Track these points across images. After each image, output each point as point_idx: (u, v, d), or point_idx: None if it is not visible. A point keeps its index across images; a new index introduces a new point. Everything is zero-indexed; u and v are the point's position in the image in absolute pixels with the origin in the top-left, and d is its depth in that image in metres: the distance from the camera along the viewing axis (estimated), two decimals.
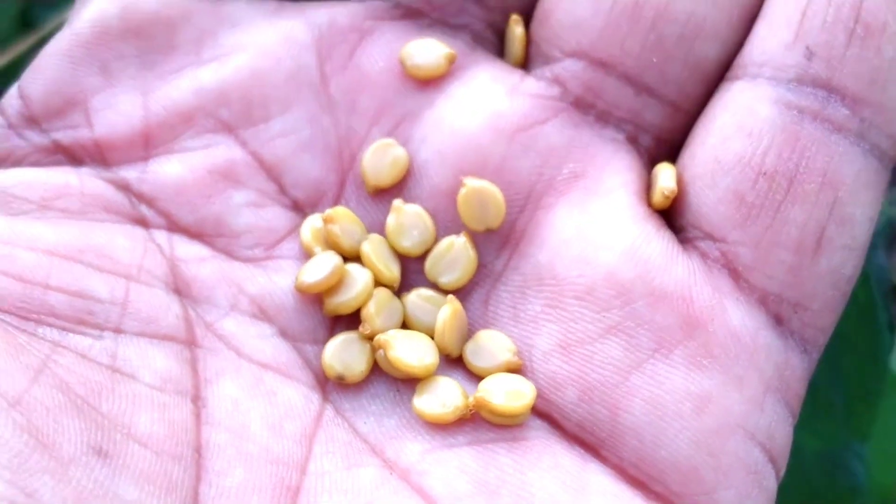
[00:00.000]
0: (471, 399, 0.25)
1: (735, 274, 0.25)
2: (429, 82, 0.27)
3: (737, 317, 0.25)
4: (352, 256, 0.27)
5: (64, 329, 0.23)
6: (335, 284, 0.26)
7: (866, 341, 0.42)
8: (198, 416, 0.23)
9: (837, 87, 0.25)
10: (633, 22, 0.26)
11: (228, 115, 0.27)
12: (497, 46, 0.29)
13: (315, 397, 0.25)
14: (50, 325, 0.23)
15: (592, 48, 0.27)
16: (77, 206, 0.26)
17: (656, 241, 0.25)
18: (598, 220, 0.26)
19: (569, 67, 0.27)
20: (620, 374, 0.24)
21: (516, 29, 0.28)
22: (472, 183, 0.26)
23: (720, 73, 0.27)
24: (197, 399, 0.23)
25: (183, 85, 0.27)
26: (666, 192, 0.26)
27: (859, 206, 0.25)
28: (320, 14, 0.28)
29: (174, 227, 0.26)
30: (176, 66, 0.27)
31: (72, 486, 0.20)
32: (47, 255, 0.24)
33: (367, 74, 0.27)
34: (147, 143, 0.27)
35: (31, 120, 0.27)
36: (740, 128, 0.25)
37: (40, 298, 0.23)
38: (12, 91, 0.27)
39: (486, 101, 0.27)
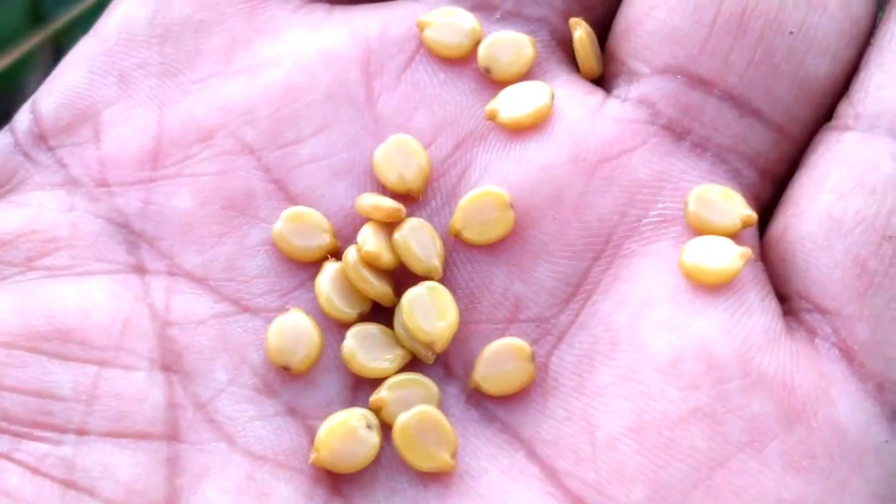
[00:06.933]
0: None
1: (849, 355, 0.22)
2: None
3: (845, 409, 0.22)
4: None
5: (18, 435, 0.21)
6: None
7: None
8: None
9: None
10: (740, 33, 0.23)
11: (253, 136, 0.24)
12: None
13: (319, 493, 0.22)
14: (2, 431, 0.21)
15: (691, 63, 0.23)
16: (64, 262, 0.23)
17: (759, 313, 0.22)
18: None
19: (661, 86, 0.24)
20: (702, 470, 0.21)
21: (581, 34, 0.24)
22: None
23: (827, 97, 0.24)
24: None
25: (206, 98, 0.24)
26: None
27: None
28: (371, 24, 0.24)
29: (176, 270, 0.23)
30: (201, 76, 0.24)
31: None
32: (4, 349, 0.21)
33: (423, 89, 0.24)
34: (156, 163, 0.24)
35: (40, 137, 0.24)
36: (861, 184, 0.22)
37: None
38: (25, 106, 0.25)
39: (563, 126, 0.24)
